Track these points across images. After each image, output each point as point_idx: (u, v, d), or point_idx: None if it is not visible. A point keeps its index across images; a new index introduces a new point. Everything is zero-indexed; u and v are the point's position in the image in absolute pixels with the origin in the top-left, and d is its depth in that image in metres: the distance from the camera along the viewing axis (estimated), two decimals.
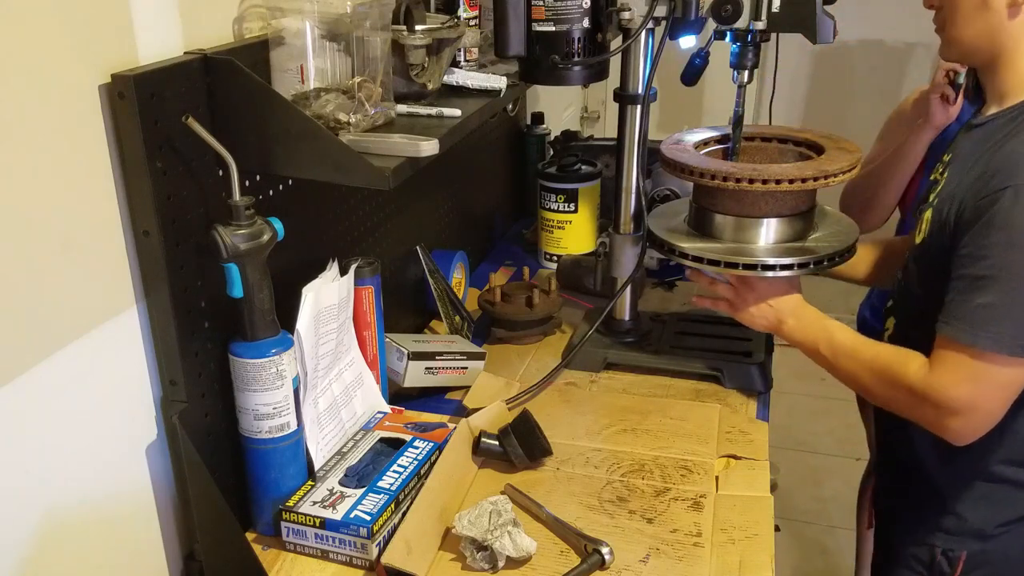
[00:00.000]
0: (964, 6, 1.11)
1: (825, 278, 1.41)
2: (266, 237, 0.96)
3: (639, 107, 1.35)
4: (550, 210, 1.87)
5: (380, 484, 1.08)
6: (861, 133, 1.81)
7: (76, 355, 0.85)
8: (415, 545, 1.01)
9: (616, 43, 1.28)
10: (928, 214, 1.16)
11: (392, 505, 1.04)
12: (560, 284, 1.65)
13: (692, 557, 1.03)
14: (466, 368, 1.39)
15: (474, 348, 1.46)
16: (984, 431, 1.07)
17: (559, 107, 2.77)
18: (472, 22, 1.36)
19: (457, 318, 1.58)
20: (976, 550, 1.19)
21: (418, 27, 1.13)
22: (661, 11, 1.24)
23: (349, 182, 1.12)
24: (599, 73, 1.30)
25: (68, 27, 0.80)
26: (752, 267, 1.28)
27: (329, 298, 1.12)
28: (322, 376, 1.14)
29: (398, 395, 1.36)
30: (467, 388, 1.37)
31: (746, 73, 1.30)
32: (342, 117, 1.00)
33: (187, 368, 0.97)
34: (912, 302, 1.21)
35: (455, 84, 1.26)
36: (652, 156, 1.41)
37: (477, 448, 1.20)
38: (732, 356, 1.42)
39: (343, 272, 1.16)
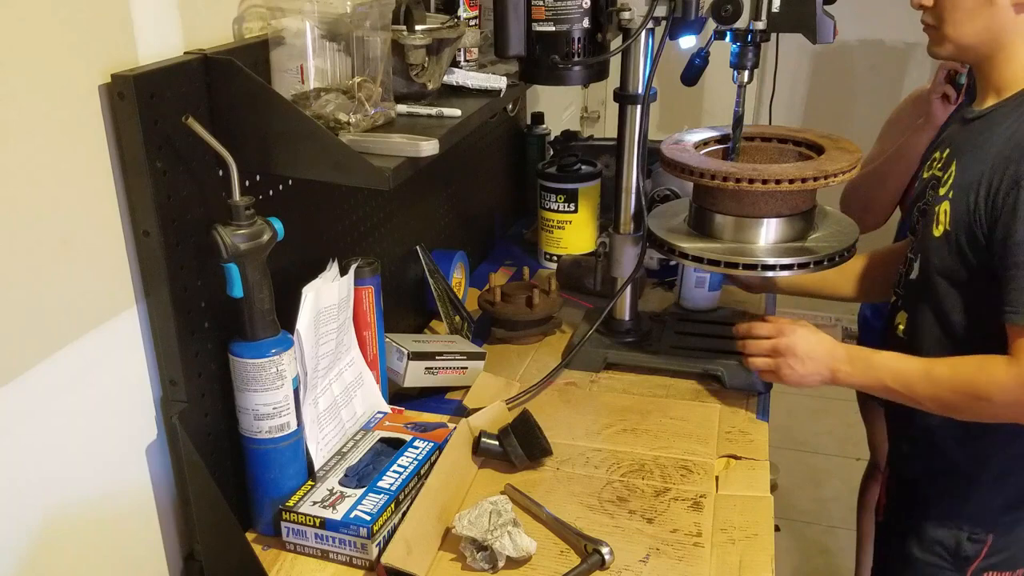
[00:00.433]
0: (966, 3, 1.11)
1: None
2: (266, 237, 0.96)
3: (639, 107, 1.35)
4: (550, 210, 1.87)
5: (380, 484, 1.08)
6: (861, 133, 1.81)
7: (76, 355, 0.85)
8: (415, 545, 1.01)
9: (616, 43, 1.28)
10: (945, 206, 1.15)
11: (392, 505, 1.04)
12: (560, 284, 1.65)
13: (692, 557, 1.03)
14: (466, 368, 1.39)
15: (474, 348, 1.46)
16: None
17: (559, 107, 2.77)
18: (472, 22, 1.36)
19: (457, 318, 1.58)
20: (1003, 532, 1.21)
21: (418, 27, 1.13)
22: (661, 11, 1.24)
23: (349, 182, 1.12)
24: (599, 73, 1.30)
25: (68, 27, 0.80)
26: (752, 267, 1.28)
27: (329, 298, 1.12)
28: (322, 376, 1.14)
29: (398, 395, 1.36)
30: (467, 388, 1.37)
31: (746, 73, 1.30)
32: (342, 117, 1.00)
33: (187, 368, 0.97)
34: (931, 293, 1.20)
35: (455, 84, 1.26)
36: (652, 156, 1.41)
37: (477, 448, 1.20)
38: (732, 356, 1.42)
39: (343, 272, 1.16)
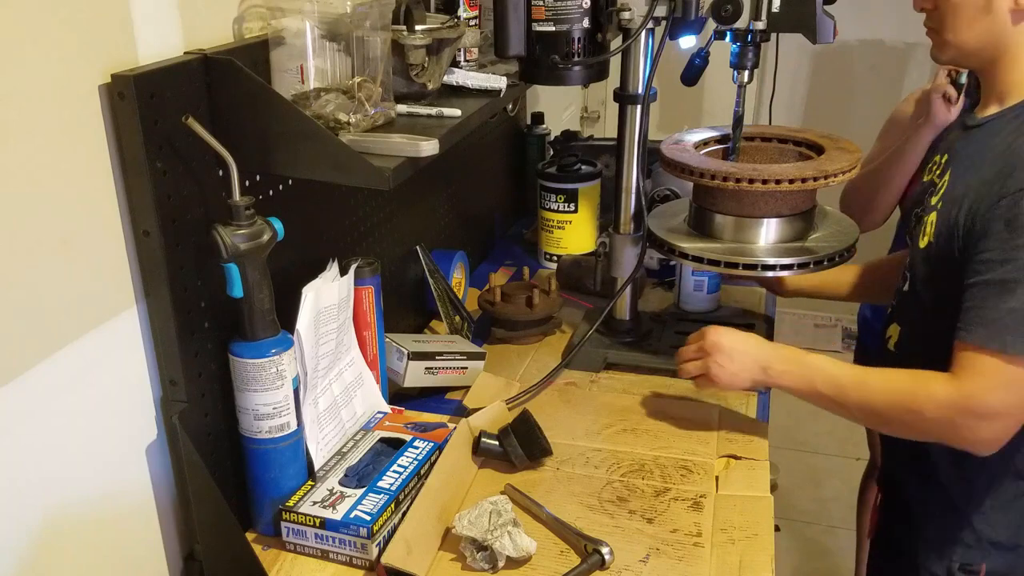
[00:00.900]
0: (966, 10, 1.09)
1: None
2: (266, 237, 0.96)
3: (639, 107, 1.35)
4: (550, 210, 1.87)
5: (380, 484, 1.08)
6: (861, 133, 1.81)
7: (76, 355, 0.85)
8: (415, 545, 1.01)
9: (616, 43, 1.28)
10: (932, 217, 1.13)
11: (392, 505, 1.04)
12: (560, 284, 1.65)
13: (692, 557, 1.03)
14: (466, 368, 1.39)
15: (474, 348, 1.46)
16: (1010, 436, 1.04)
17: (559, 107, 2.77)
18: (472, 22, 1.36)
19: (457, 318, 1.58)
20: (997, 563, 1.16)
21: (418, 27, 1.13)
22: (661, 11, 1.24)
23: (349, 182, 1.12)
24: (599, 73, 1.30)
25: (68, 27, 0.80)
26: (752, 267, 1.28)
27: (329, 298, 1.12)
28: (322, 376, 1.14)
29: (398, 395, 1.36)
30: (467, 388, 1.37)
31: (746, 73, 1.30)
32: (342, 117, 1.00)
33: (187, 368, 0.97)
34: (919, 308, 1.18)
35: (455, 84, 1.26)
36: (652, 156, 1.41)
37: (477, 448, 1.20)
38: None
39: (343, 272, 1.16)
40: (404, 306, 1.56)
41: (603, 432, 1.29)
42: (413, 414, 1.29)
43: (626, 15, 1.25)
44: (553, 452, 1.20)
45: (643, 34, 1.28)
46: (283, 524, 1.04)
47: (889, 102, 2.11)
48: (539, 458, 1.20)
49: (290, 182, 1.13)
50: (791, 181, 1.22)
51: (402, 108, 1.12)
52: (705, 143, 1.42)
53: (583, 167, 1.87)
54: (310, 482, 1.08)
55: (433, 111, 1.13)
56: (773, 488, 1.16)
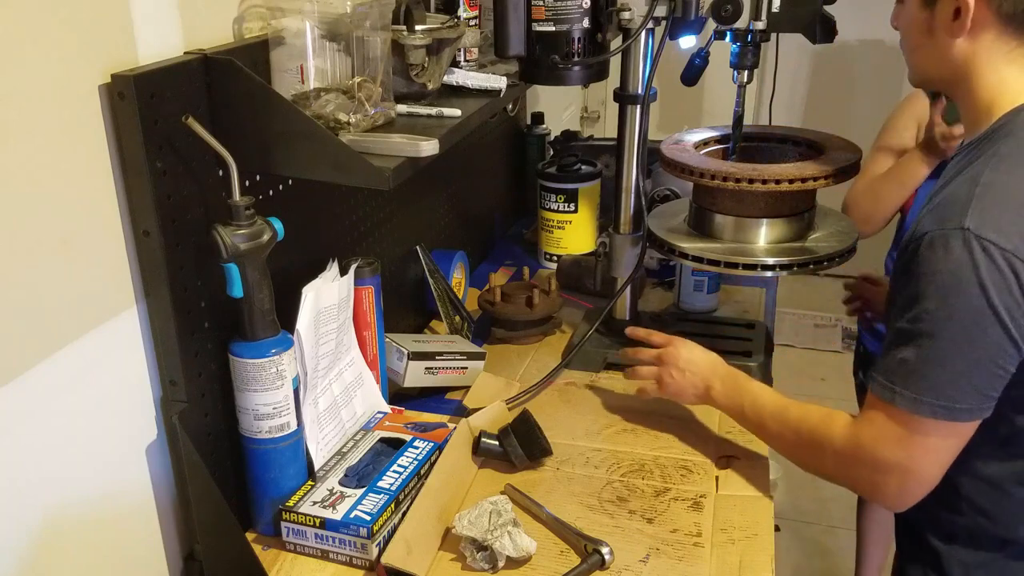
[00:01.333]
0: (912, 33, 1.05)
1: (825, 278, 1.40)
2: (266, 237, 0.96)
3: (639, 107, 1.35)
4: (550, 210, 1.87)
5: (380, 484, 1.08)
6: (861, 133, 1.81)
7: (76, 355, 0.85)
8: (415, 545, 1.01)
9: (616, 43, 1.28)
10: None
11: (392, 505, 1.04)
12: (560, 284, 1.65)
13: (692, 557, 1.03)
14: (466, 368, 1.39)
15: (474, 348, 1.46)
16: (920, 496, 0.98)
17: (559, 107, 2.77)
18: (472, 22, 1.36)
19: (457, 318, 1.58)
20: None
21: (418, 27, 1.13)
22: (661, 11, 1.24)
23: (349, 182, 1.12)
24: (599, 73, 1.30)
25: (68, 27, 0.80)
26: (752, 267, 1.28)
27: (329, 298, 1.12)
28: (322, 376, 1.14)
29: (398, 395, 1.36)
30: (467, 388, 1.37)
31: (746, 73, 1.30)
32: (342, 117, 1.00)
33: (187, 368, 0.97)
34: None
35: (455, 84, 1.26)
36: (652, 156, 1.41)
37: (477, 448, 1.20)
38: (732, 356, 1.42)
39: (343, 272, 1.16)
40: (404, 306, 1.56)
41: (603, 432, 1.29)
42: (413, 414, 1.29)
43: (626, 15, 1.25)
44: (553, 452, 1.20)
45: (643, 34, 1.29)
46: (283, 524, 1.04)
47: (889, 102, 2.11)
48: (539, 458, 1.20)
49: (290, 182, 1.13)
50: (791, 181, 1.22)
51: (402, 108, 1.12)
52: (705, 143, 1.42)
53: (583, 167, 1.87)
54: (310, 482, 1.08)
55: (433, 111, 1.13)
56: (773, 488, 1.16)
